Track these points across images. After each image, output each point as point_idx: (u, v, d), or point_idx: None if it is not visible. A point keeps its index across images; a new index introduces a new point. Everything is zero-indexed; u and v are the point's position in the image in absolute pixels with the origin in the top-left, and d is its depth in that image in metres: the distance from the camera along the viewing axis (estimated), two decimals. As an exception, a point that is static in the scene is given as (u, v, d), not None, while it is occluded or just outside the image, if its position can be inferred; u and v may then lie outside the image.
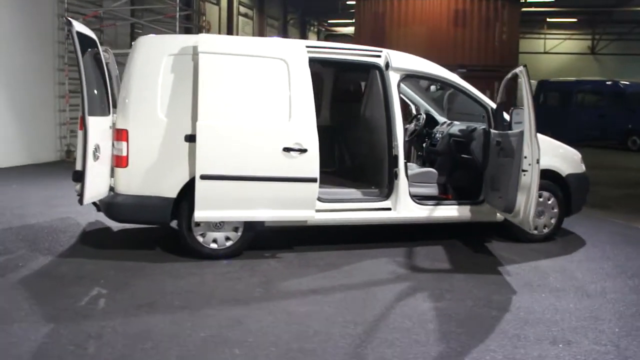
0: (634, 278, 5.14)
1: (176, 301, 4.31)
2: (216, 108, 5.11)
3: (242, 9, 25.37)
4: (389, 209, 5.81)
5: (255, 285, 4.70)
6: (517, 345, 3.66)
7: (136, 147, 5.17)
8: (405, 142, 5.85)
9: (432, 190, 6.26)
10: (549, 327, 3.97)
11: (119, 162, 5.18)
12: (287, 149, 5.21)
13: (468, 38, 21.57)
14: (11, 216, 6.78)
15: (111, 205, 5.26)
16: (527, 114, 5.20)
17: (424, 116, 7.31)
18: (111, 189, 5.26)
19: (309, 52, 5.47)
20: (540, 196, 6.22)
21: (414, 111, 7.84)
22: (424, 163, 7.29)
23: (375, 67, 5.84)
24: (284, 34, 30.63)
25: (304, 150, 5.25)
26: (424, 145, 7.30)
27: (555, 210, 6.37)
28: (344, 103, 7.16)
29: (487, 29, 21.32)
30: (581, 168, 6.60)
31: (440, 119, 7.41)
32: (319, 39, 36.85)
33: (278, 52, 5.34)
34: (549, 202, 6.34)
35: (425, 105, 7.64)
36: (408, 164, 6.86)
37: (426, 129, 7.29)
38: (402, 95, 7.40)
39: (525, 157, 5.20)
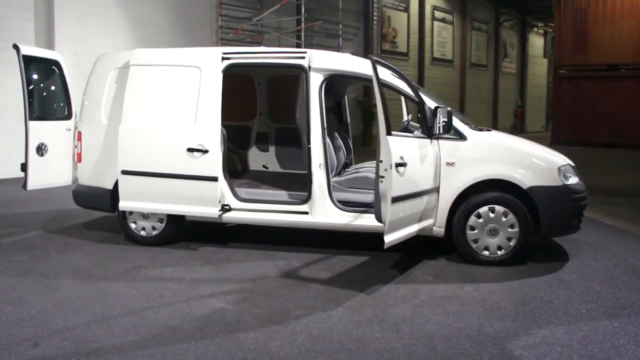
0: (504, 321, 4.17)
1: (49, 272, 5.19)
2: (138, 112, 5.85)
3: (439, 14, 25.16)
4: (306, 212, 5.76)
5: (121, 268, 5.31)
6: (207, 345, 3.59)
7: (87, 146, 6.25)
8: (326, 144, 5.70)
9: (368, 197, 5.89)
10: (267, 344, 3.71)
11: (78, 158, 6.32)
12: (190, 150, 5.67)
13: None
14: (59, 201, 8.22)
15: (74, 193, 6.46)
16: (378, 114, 4.63)
17: (409, 118, 6.80)
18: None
19: (228, 58, 5.80)
20: (492, 211, 5.41)
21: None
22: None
23: (300, 68, 5.80)
24: (496, 37, 29.19)
25: (206, 151, 5.64)
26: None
27: (515, 229, 5.39)
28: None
29: None
30: (557, 180, 5.39)
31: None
32: (545, 41, 33.95)
33: (193, 61, 5.82)
34: (504, 219, 5.40)
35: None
36: (362, 168, 6.60)
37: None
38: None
39: (381, 162, 4.65)
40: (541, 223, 5.39)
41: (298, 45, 15.63)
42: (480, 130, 5.81)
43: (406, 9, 23.19)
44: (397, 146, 4.68)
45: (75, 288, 4.75)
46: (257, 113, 7.67)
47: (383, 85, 5.70)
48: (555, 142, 20.90)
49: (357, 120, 18.86)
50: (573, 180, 5.54)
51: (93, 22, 12.14)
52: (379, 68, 4.85)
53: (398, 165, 4.66)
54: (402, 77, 5.42)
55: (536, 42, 33.29)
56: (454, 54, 26.44)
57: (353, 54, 6.41)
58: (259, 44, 15.53)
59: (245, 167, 7.78)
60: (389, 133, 4.59)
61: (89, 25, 12.01)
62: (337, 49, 17.02)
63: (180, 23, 13.92)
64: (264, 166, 7.75)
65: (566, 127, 20.35)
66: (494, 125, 29.19)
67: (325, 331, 3.88)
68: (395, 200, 4.64)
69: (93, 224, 7.15)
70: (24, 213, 7.75)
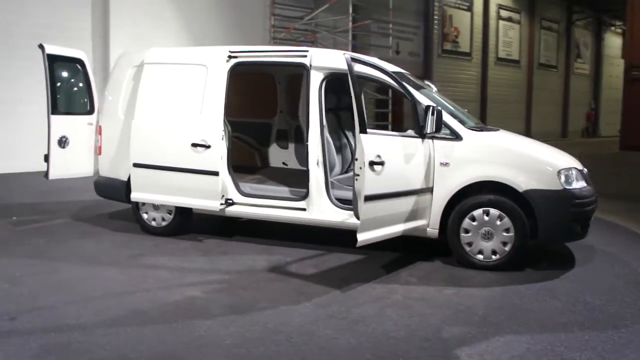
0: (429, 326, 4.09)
1: (58, 255, 5.59)
2: (149, 108, 6.16)
3: (505, 13, 24.39)
4: (304, 209, 5.84)
5: (123, 255, 5.63)
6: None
7: (106, 140, 6.65)
8: (325, 142, 5.75)
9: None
10: (189, 323, 3.82)
11: (98, 151, 6.73)
12: (194, 145, 5.90)
13: None
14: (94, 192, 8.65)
15: (94, 184, 6.88)
16: (354, 111, 4.61)
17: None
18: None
19: (234, 57, 5.99)
20: (487, 214, 5.28)
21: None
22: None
23: (303, 66, 5.88)
24: (567, 37, 27.89)
25: (208, 146, 5.86)
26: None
27: (510, 234, 5.23)
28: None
29: None
30: (557, 184, 5.15)
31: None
32: (623, 41, 31.95)
33: (200, 59, 6.05)
34: (499, 222, 5.25)
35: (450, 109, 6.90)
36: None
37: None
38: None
39: (357, 160, 4.65)
40: (539, 228, 5.20)
41: (352, 46, 15.61)
42: (482, 130, 5.67)
43: (469, 8, 22.64)
44: (373, 144, 4.67)
45: (72, 271, 5.09)
46: (278, 111, 7.82)
47: (379, 83, 5.74)
48: (624, 148, 19.71)
49: (407, 119, 18.62)
50: (577, 184, 5.29)
51: (147, 21, 12.71)
52: (362, 66, 4.84)
53: (373, 163, 4.66)
54: (388, 74, 5.35)
55: (613, 41, 31.44)
56: (520, 54, 25.52)
57: (410, 53, 6.35)
58: (312, 43, 15.65)
59: (266, 163, 7.95)
60: (363, 131, 4.60)
61: (143, 25, 12.58)
62: (390, 48, 16.96)
63: (233, 22, 14.28)
64: (283, 163, 7.89)
65: (637, 132, 19.13)
66: (564, 128, 27.91)
67: (280, 324, 3.95)
68: (370, 198, 4.64)
69: (118, 214, 7.56)
70: (58, 202, 8.31)
